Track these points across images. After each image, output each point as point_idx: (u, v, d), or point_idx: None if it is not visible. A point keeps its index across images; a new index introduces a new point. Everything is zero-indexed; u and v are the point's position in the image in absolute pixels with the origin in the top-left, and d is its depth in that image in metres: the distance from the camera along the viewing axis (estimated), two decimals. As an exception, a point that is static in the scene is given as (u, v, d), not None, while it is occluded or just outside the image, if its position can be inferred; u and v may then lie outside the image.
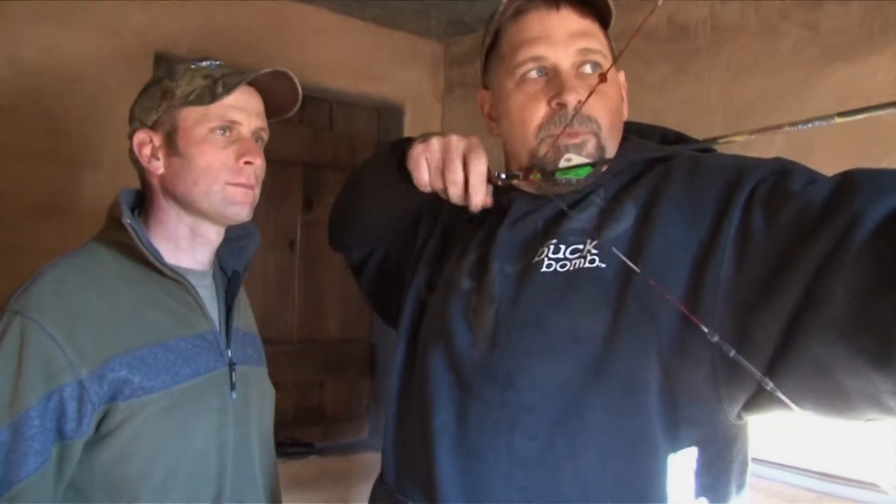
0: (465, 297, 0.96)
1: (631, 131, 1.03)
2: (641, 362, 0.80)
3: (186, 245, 1.10)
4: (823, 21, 1.59)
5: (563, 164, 0.90)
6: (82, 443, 0.94)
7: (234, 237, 1.19)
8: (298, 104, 1.17)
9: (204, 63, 1.09)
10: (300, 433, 2.42)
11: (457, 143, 0.97)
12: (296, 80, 1.13)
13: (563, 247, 0.89)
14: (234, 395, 1.10)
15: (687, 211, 0.82)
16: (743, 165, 0.82)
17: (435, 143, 0.98)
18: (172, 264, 1.05)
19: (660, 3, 0.66)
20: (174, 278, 1.04)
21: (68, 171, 1.87)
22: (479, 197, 0.95)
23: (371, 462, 2.23)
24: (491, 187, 0.96)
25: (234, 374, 1.10)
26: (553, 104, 0.91)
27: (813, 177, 0.75)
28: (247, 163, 1.07)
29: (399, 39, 2.56)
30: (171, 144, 1.06)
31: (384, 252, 1.24)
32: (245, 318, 1.24)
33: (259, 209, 1.14)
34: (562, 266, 0.88)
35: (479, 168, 0.94)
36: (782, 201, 0.73)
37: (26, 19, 1.81)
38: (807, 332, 0.66)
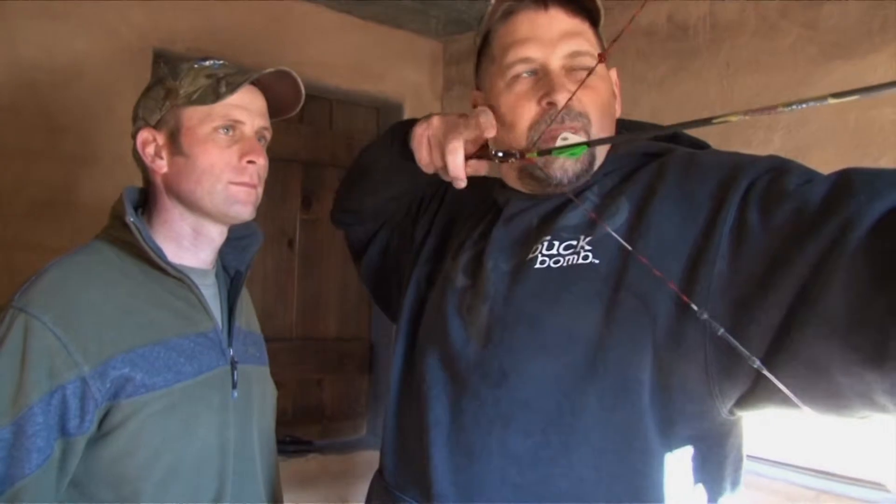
0: (459, 295, 0.96)
1: (626, 129, 1.03)
2: (634, 358, 0.80)
3: (189, 244, 1.11)
4: (823, 19, 1.59)
5: (559, 142, 0.90)
6: (85, 440, 0.94)
7: (237, 237, 1.20)
8: (301, 104, 1.18)
9: (207, 62, 1.10)
10: (299, 431, 2.42)
11: (457, 120, 0.97)
12: (299, 80, 1.13)
13: (556, 243, 0.90)
14: (236, 394, 1.10)
15: (682, 207, 0.82)
16: (738, 163, 0.82)
17: (436, 121, 0.99)
18: (175, 263, 1.06)
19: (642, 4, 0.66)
20: (177, 277, 1.04)
21: (67, 169, 1.87)
22: (466, 171, 0.95)
23: (370, 460, 2.23)
24: (486, 162, 0.97)
25: (235, 372, 1.10)
26: (543, 103, 0.91)
27: (809, 176, 0.75)
28: (250, 162, 1.07)
29: (398, 38, 2.56)
30: (175, 143, 1.06)
31: (386, 240, 1.24)
32: (247, 317, 1.25)
33: (258, 207, 1.14)
34: (555, 262, 0.88)
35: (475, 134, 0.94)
36: (778, 200, 0.73)
37: (25, 17, 1.81)
38: (801, 329, 0.67)
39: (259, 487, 1.15)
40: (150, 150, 1.08)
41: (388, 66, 2.53)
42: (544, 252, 0.89)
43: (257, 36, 2.21)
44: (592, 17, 0.96)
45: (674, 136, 1.01)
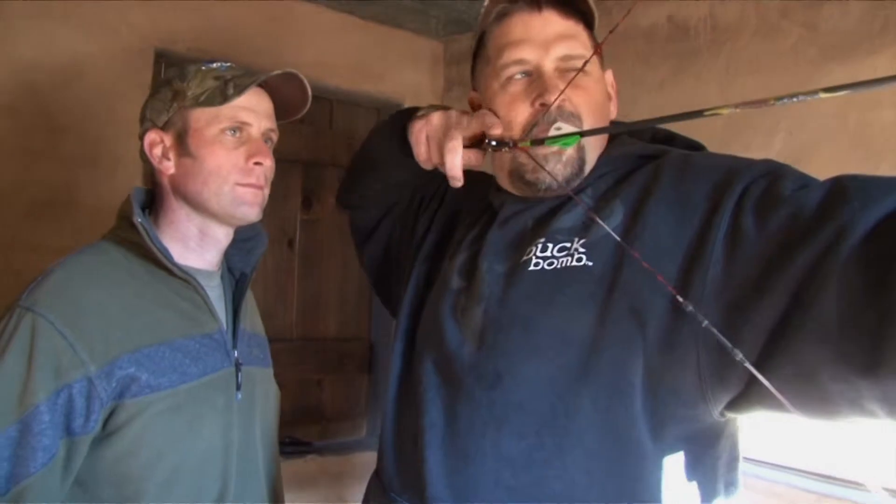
0: (454, 296, 0.96)
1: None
2: (627, 361, 0.80)
3: (195, 245, 1.11)
4: (823, 21, 1.59)
5: (552, 132, 0.90)
6: (89, 439, 0.95)
7: (242, 239, 1.20)
8: (308, 106, 1.18)
9: (214, 64, 1.10)
10: (299, 432, 2.42)
11: (457, 118, 0.98)
12: (305, 82, 1.14)
13: (550, 245, 0.90)
14: (240, 396, 1.10)
15: (676, 210, 0.82)
16: (733, 166, 0.82)
17: (435, 118, 1.00)
18: (181, 264, 1.06)
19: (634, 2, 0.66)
20: (183, 278, 1.05)
21: (67, 169, 1.87)
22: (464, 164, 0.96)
23: (369, 461, 2.24)
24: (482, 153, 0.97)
25: (240, 374, 1.11)
26: (536, 104, 0.91)
27: (804, 181, 0.75)
28: (256, 163, 1.08)
29: (398, 38, 2.56)
30: (182, 145, 1.07)
31: (389, 232, 1.25)
32: (252, 319, 1.25)
33: (259, 208, 1.14)
34: (549, 264, 0.88)
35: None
36: (773, 205, 0.73)
37: (25, 16, 1.81)
38: (794, 335, 0.67)
39: (262, 488, 1.15)
40: (158, 151, 1.09)
41: (389, 67, 2.53)
42: (538, 254, 0.89)
43: (258, 36, 2.21)
44: (587, 20, 0.96)
45: (669, 138, 1.01)
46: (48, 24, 1.84)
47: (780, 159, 1.59)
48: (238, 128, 1.07)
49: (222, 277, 1.19)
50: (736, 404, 0.77)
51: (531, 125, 0.91)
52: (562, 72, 0.92)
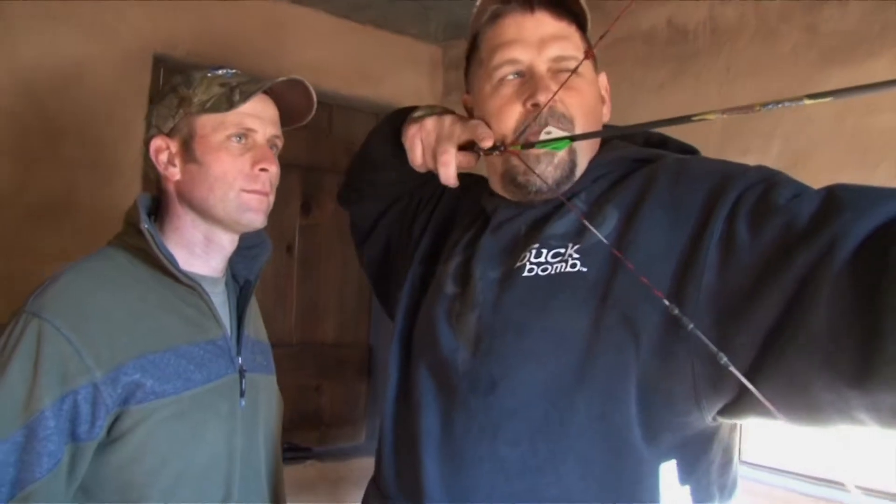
0: (448, 302, 0.96)
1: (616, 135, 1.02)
2: (621, 368, 0.79)
3: (201, 251, 1.11)
4: (822, 23, 1.59)
5: (543, 136, 0.90)
6: (94, 445, 0.95)
7: (247, 246, 1.21)
8: (313, 112, 1.19)
9: (220, 71, 1.11)
10: (298, 437, 2.41)
11: (451, 124, 0.98)
12: (311, 89, 1.14)
13: (544, 251, 0.89)
14: (244, 402, 1.11)
15: (671, 215, 0.82)
16: (728, 173, 0.81)
17: (429, 124, 1.00)
18: (187, 270, 1.06)
19: (627, 8, 0.66)
20: (188, 284, 1.05)
21: (66, 173, 1.87)
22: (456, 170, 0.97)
23: (368, 466, 2.24)
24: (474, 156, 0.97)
25: (244, 381, 1.11)
26: (528, 105, 0.91)
27: (798, 190, 0.75)
28: (262, 169, 1.08)
29: (397, 42, 2.56)
30: (188, 151, 1.07)
31: (388, 232, 1.25)
32: (256, 325, 1.26)
33: (260, 213, 1.14)
34: (543, 270, 0.87)
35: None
36: (768, 214, 0.73)
37: (25, 19, 1.81)
38: (786, 344, 0.67)
39: (265, 495, 1.15)
40: (163, 157, 1.09)
41: (388, 71, 2.54)
42: (532, 260, 0.89)
43: (257, 41, 2.22)
44: (579, 21, 0.96)
45: (662, 142, 1.01)
46: (48, 27, 1.85)
47: (778, 163, 1.61)
48: (244, 134, 1.07)
49: (227, 284, 1.19)
50: (728, 410, 0.77)
51: (523, 126, 0.91)
52: (554, 72, 0.92)
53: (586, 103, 0.93)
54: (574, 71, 0.89)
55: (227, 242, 1.13)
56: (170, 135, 1.09)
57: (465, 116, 1.03)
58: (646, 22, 1.99)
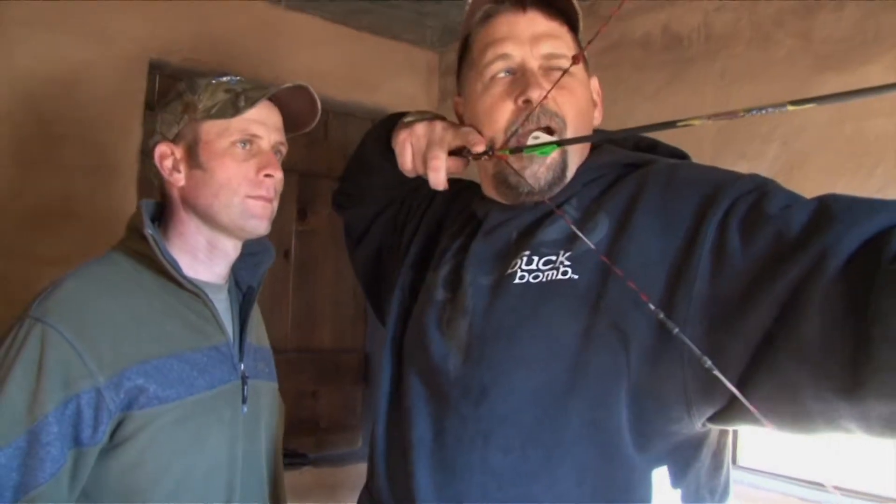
0: (439, 308, 0.96)
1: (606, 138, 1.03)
2: (612, 374, 0.79)
3: (204, 258, 1.12)
4: (817, 30, 1.60)
5: (530, 141, 0.90)
6: (97, 450, 0.95)
7: (250, 253, 1.21)
8: (317, 119, 1.19)
9: (224, 78, 1.11)
10: (294, 443, 2.40)
11: (441, 130, 0.98)
12: (315, 95, 1.14)
13: (536, 258, 0.89)
14: (246, 409, 1.11)
15: (662, 223, 0.82)
16: (719, 181, 0.81)
17: (419, 129, 1.00)
18: (190, 276, 1.07)
19: (619, 8, 0.67)
20: (192, 290, 1.05)
21: (63, 178, 1.87)
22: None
23: (364, 473, 2.24)
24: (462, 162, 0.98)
25: (246, 387, 1.11)
26: (519, 102, 0.91)
27: (790, 200, 0.75)
28: (267, 175, 1.08)
29: (393, 48, 2.57)
30: (193, 157, 1.08)
31: (380, 237, 1.25)
32: (258, 332, 1.26)
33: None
34: (534, 277, 0.87)
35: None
36: (759, 223, 0.73)
37: (21, 25, 1.81)
38: (776, 354, 0.67)
39: (266, 501, 1.16)
40: (168, 163, 1.09)
41: (384, 77, 2.54)
42: (524, 267, 0.89)
43: (253, 46, 2.22)
44: (571, 22, 0.97)
45: (652, 146, 1.01)
46: (45, 33, 1.85)
47: (774, 167, 1.61)
48: (249, 140, 1.08)
49: (229, 291, 1.19)
50: (718, 417, 0.77)
51: (514, 124, 0.91)
52: (546, 70, 0.92)
53: (578, 103, 0.94)
54: (567, 70, 0.89)
55: (231, 249, 1.14)
56: (174, 141, 1.09)
57: (455, 123, 1.03)
58: (641, 28, 2.00)
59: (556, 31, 0.94)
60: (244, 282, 1.23)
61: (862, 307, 0.60)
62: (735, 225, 0.75)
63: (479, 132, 0.95)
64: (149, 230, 1.02)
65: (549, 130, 0.91)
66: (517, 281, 0.88)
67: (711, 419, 0.78)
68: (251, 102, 1.06)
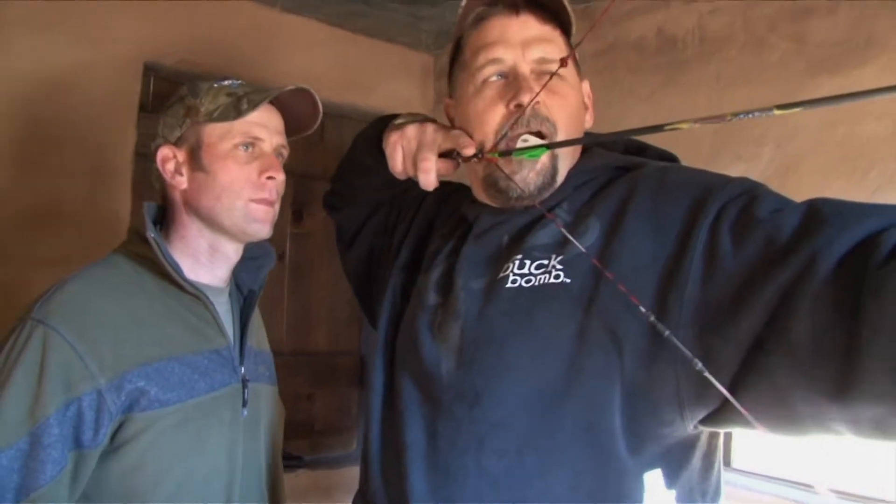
0: (430, 313, 0.96)
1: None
2: (606, 378, 0.80)
3: (206, 261, 1.12)
4: (810, 34, 1.61)
5: (520, 144, 0.90)
6: (98, 452, 0.95)
7: (251, 256, 1.22)
8: (318, 121, 1.20)
9: (226, 82, 1.12)
10: (289, 446, 2.38)
11: (432, 132, 0.98)
12: (317, 98, 1.15)
13: (528, 262, 0.89)
14: (246, 412, 1.11)
15: (653, 227, 0.82)
16: (709, 184, 0.82)
17: (410, 131, 1.00)
18: (192, 280, 1.07)
19: (608, 9, 0.68)
20: (193, 293, 1.06)
21: (57, 179, 1.86)
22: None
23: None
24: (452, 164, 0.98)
25: (246, 390, 1.11)
26: (511, 106, 0.91)
27: (780, 203, 0.76)
28: (269, 178, 1.09)
29: (389, 51, 2.57)
30: (195, 160, 1.08)
31: (371, 239, 1.25)
32: (258, 336, 1.27)
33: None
34: (527, 282, 0.87)
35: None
36: (750, 227, 0.74)
37: (17, 27, 1.81)
38: (768, 357, 0.68)
39: None
40: (171, 166, 1.10)
41: (379, 80, 2.54)
42: (516, 271, 0.89)
43: (248, 49, 2.22)
44: (564, 26, 0.97)
45: (641, 149, 1.01)
46: (40, 34, 1.84)
47: (769, 170, 1.62)
48: (251, 143, 1.08)
49: (230, 294, 1.20)
50: (710, 419, 0.78)
51: (505, 128, 0.91)
52: (538, 74, 0.92)
53: (569, 107, 0.94)
54: (555, 73, 0.89)
55: (233, 252, 1.14)
56: (177, 144, 1.09)
57: (446, 125, 1.03)
58: (636, 31, 2.01)
59: (549, 35, 0.94)
60: (245, 285, 1.24)
61: (852, 311, 0.61)
62: (726, 229, 0.75)
63: (470, 135, 0.95)
64: (151, 233, 1.03)
65: (540, 135, 0.91)
66: (509, 285, 0.88)
67: (703, 421, 0.78)
68: (253, 105, 1.06)
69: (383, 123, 1.10)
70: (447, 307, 0.94)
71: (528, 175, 0.91)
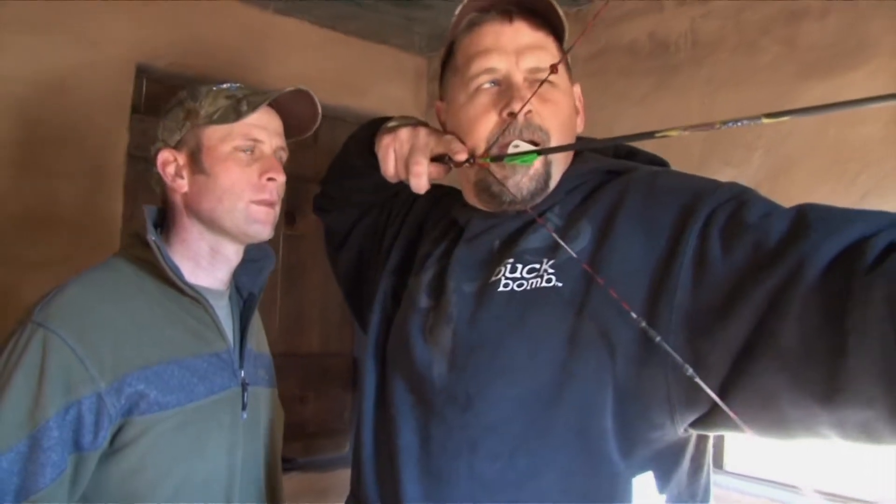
0: (422, 316, 0.96)
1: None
2: (598, 381, 0.80)
3: (206, 264, 1.12)
4: (801, 37, 1.62)
5: (511, 149, 0.90)
6: (98, 455, 0.95)
7: (252, 259, 1.21)
8: (317, 123, 1.20)
9: (225, 85, 1.13)
10: (282, 448, 2.40)
11: (425, 137, 0.98)
12: (316, 99, 1.15)
13: (519, 266, 0.89)
14: (245, 415, 1.11)
15: (644, 232, 0.83)
16: (699, 189, 0.82)
17: (403, 134, 1.00)
18: (192, 283, 1.07)
19: (600, 13, 0.69)
20: (193, 297, 1.06)
21: (48, 182, 1.85)
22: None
23: (353, 477, 2.22)
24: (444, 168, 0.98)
25: (246, 394, 1.12)
26: (504, 114, 0.91)
27: (768, 209, 0.76)
28: (270, 179, 1.09)
29: (382, 53, 2.57)
30: (196, 163, 1.09)
31: (360, 242, 1.25)
32: (258, 339, 1.27)
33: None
34: (519, 286, 0.88)
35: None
36: (739, 232, 0.74)
37: (7, 28, 1.80)
38: (757, 361, 0.69)
39: None
40: (171, 169, 1.10)
41: (372, 82, 2.54)
42: (507, 275, 0.89)
43: (241, 51, 2.21)
44: (557, 33, 0.97)
45: (631, 154, 1.02)
46: (31, 36, 1.83)
47: (760, 174, 1.63)
48: (251, 146, 1.09)
49: (230, 297, 1.20)
50: (700, 423, 0.78)
51: (497, 136, 0.92)
52: (531, 83, 0.92)
53: (562, 115, 0.94)
54: (545, 80, 0.89)
55: (233, 254, 1.14)
56: (177, 147, 1.10)
57: (438, 130, 1.03)
58: (628, 34, 2.01)
59: (542, 42, 0.95)
60: (245, 288, 1.24)
61: (839, 316, 0.62)
62: (715, 234, 0.76)
63: (462, 140, 0.96)
64: (152, 237, 1.03)
65: (533, 144, 0.91)
66: (501, 289, 0.88)
67: (693, 425, 0.79)
68: (253, 107, 1.07)
69: (375, 126, 1.10)
70: (439, 310, 0.94)
71: (522, 180, 0.92)
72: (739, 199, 0.79)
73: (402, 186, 1.04)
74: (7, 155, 1.79)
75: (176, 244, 1.11)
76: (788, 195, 0.78)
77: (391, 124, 1.05)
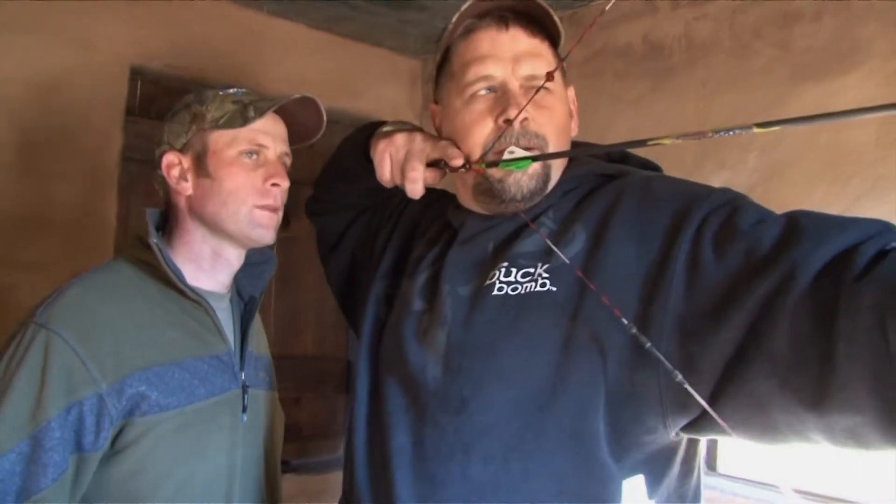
0: (416, 319, 0.96)
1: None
2: (591, 385, 0.80)
3: (208, 266, 1.13)
4: (795, 41, 1.63)
5: (506, 155, 0.90)
6: (99, 456, 0.96)
7: (253, 262, 1.22)
8: (322, 130, 1.21)
9: (231, 90, 1.14)
10: (280, 451, 2.39)
11: (421, 142, 0.98)
12: (321, 106, 1.16)
13: (514, 270, 0.90)
14: (245, 418, 1.11)
15: (637, 237, 0.83)
16: (692, 195, 0.83)
17: (399, 140, 1.01)
18: (193, 285, 1.08)
19: (598, 20, 0.69)
20: (194, 299, 1.06)
21: (42, 183, 1.85)
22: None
23: (347, 480, 2.22)
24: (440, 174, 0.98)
25: (246, 396, 1.12)
26: (500, 121, 0.91)
27: (761, 215, 0.77)
28: (274, 184, 1.10)
29: (377, 56, 2.57)
30: (201, 166, 1.09)
31: (353, 245, 1.25)
32: (259, 341, 1.27)
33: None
34: (513, 289, 0.88)
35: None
36: (732, 238, 0.75)
37: (1, 29, 1.79)
38: (747, 368, 0.69)
39: None
40: (176, 172, 1.11)
41: (367, 84, 2.54)
42: (502, 279, 0.89)
43: (236, 53, 2.21)
44: (553, 39, 0.97)
45: (624, 157, 1.02)
46: (25, 37, 1.83)
47: (753, 177, 1.63)
48: (256, 151, 1.10)
49: (231, 300, 1.20)
50: (691, 427, 0.79)
51: (493, 143, 0.92)
52: (527, 90, 0.93)
53: (557, 120, 0.94)
54: (542, 87, 0.89)
55: (235, 258, 1.15)
56: (182, 150, 1.10)
57: (434, 135, 1.03)
58: (623, 37, 2.02)
59: (538, 49, 0.95)
60: (246, 291, 1.25)
61: (828, 323, 0.63)
62: (708, 239, 0.77)
63: (457, 146, 0.96)
64: (153, 239, 1.03)
65: (529, 150, 0.91)
66: (496, 293, 0.89)
67: (685, 429, 0.80)
68: (260, 113, 1.08)
69: (369, 130, 1.10)
70: (433, 313, 0.94)
71: (522, 179, 0.92)
72: (733, 204, 0.79)
73: (396, 189, 1.04)
74: (1, 156, 1.79)
75: (178, 247, 1.12)
76: (782, 198, 0.79)
77: (386, 129, 1.06)
